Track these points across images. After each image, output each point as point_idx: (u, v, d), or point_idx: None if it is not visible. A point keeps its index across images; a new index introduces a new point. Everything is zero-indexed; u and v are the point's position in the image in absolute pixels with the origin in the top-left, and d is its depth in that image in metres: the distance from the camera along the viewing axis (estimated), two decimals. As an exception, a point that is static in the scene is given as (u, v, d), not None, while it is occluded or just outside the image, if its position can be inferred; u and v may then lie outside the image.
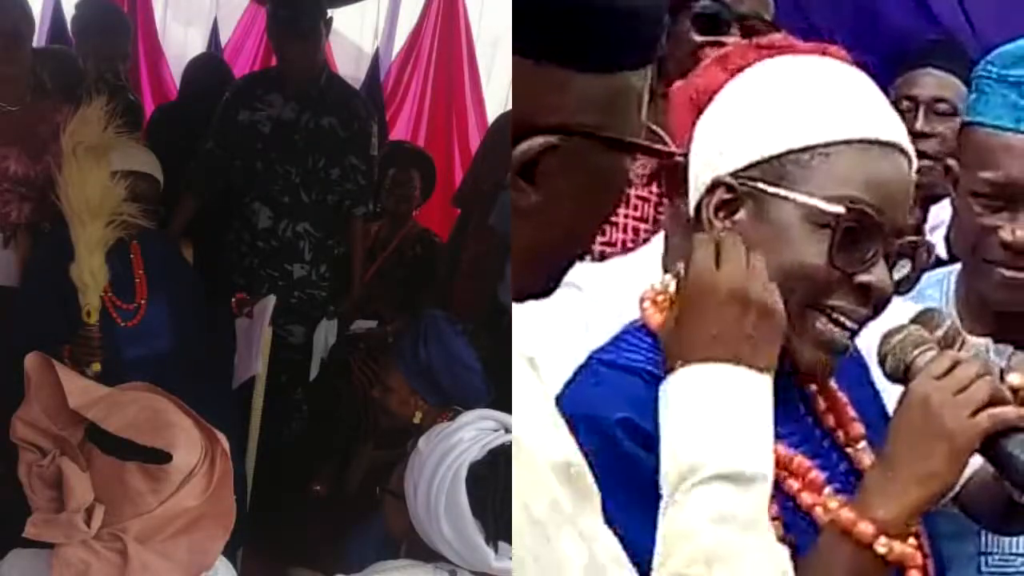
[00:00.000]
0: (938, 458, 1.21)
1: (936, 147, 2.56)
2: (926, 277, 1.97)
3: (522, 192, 0.97)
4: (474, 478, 1.74)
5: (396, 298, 4.35)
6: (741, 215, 1.26)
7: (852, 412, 1.33)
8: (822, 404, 1.38)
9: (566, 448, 1.03)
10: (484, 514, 1.72)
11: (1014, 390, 1.30)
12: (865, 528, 1.20)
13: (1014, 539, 1.86)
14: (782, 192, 1.24)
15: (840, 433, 1.38)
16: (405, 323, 3.90)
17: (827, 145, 1.24)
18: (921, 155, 2.35)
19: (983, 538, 1.87)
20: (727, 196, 1.26)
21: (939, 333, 1.36)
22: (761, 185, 1.25)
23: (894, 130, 1.28)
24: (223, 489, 1.73)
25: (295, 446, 3.94)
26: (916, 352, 1.29)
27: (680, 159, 1.25)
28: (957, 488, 1.71)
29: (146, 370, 2.75)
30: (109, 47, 4.20)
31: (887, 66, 2.68)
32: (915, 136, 2.27)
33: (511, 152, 1.00)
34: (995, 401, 1.23)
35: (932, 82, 2.70)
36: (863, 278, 1.25)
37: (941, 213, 2.59)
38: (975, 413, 1.22)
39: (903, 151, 1.28)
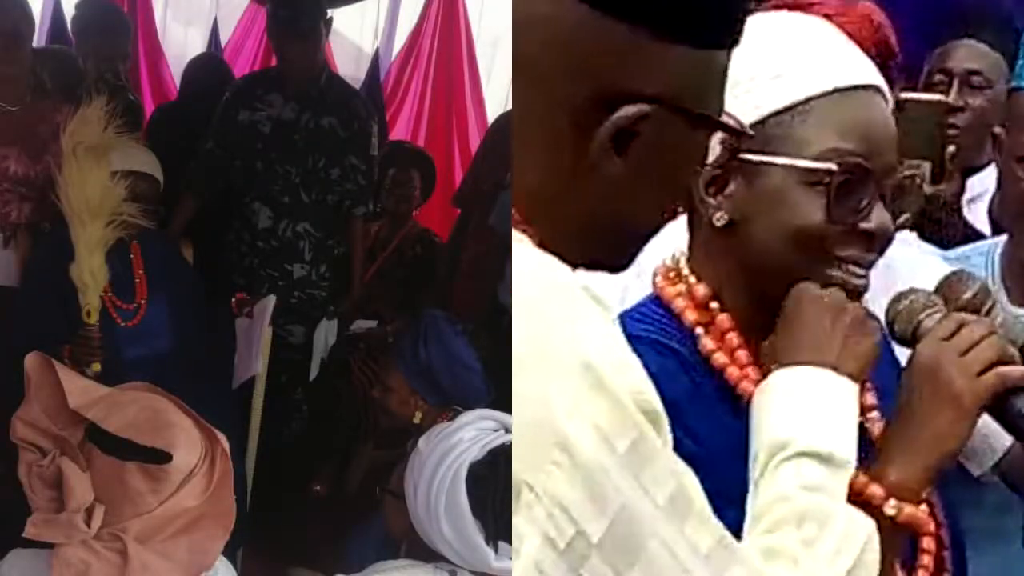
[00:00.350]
0: (946, 420, 1.21)
1: (969, 119, 2.53)
2: (972, 247, 1.98)
3: (611, 160, 0.98)
4: (474, 478, 1.74)
5: (396, 298, 4.35)
6: (732, 188, 1.26)
7: (866, 380, 1.32)
8: None
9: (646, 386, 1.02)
10: (484, 514, 1.72)
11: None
12: (875, 491, 1.20)
13: None
14: (768, 159, 1.24)
15: None
16: (405, 323, 3.90)
17: (804, 102, 1.24)
18: (953, 127, 2.36)
19: None
20: (716, 172, 1.26)
21: (967, 295, 1.36)
22: (747, 156, 1.24)
23: (865, 71, 1.28)
24: (223, 489, 1.73)
25: (295, 446, 3.94)
26: (924, 315, 1.29)
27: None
28: (999, 457, 1.70)
29: (146, 370, 2.74)
30: (109, 47, 4.20)
31: (925, 34, 2.65)
32: (948, 109, 2.29)
33: (511, 152, 0.99)
34: (1002, 361, 1.22)
35: (967, 54, 2.64)
36: (864, 225, 1.25)
37: (977, 185, 2.57)
38: (982, 373, 1.21)
39: (877, 89, 1.28)
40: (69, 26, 4.66)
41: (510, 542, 0.96)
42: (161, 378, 1.92)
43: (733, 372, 1.28)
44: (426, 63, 5.78)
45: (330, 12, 3.89)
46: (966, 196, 2.50)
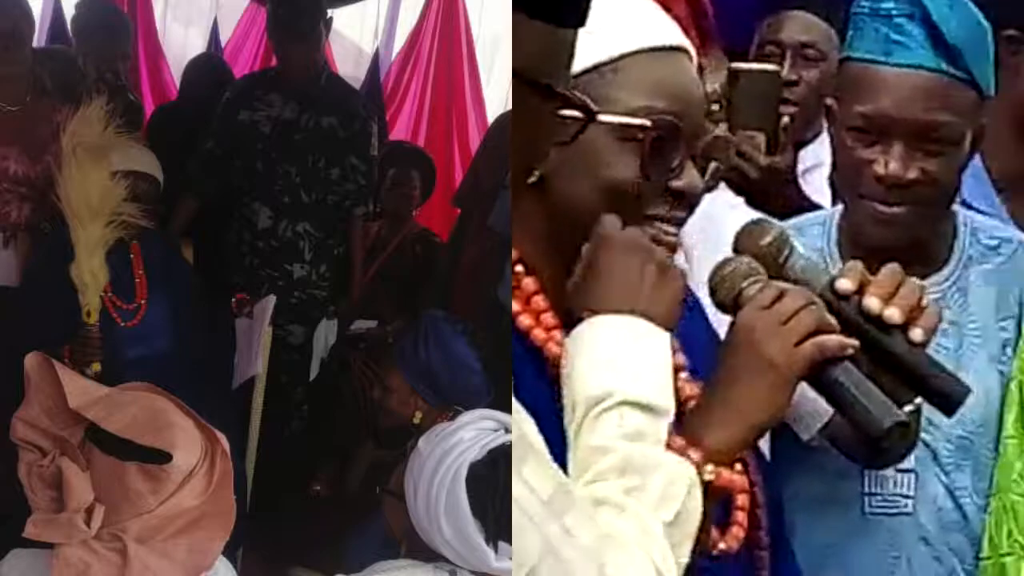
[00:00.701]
0: (764, 388, 1.22)
1: (803, 92, 2.50)
2: (808, 217, 1.99)
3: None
4: (474, 478, 1.74)
5: (396, 298, 4.35)
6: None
7: (675, 342, 1.32)
8: None
9: None
10: (484, 514, 1.72)
11: (842, 295, 1.32)
12: (693, 455, 1.21)
13: (897, 480, 1.87)
14: (580, 115, 1.23)
15: None
16: (405, 323, 3.91)
17: (617, 59, 1.26)
18: (787, 103, 2.37)
19: (866, 478, 1.87)
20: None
21: (765, 242, 1.38)
22: (565, 112, 1.24)
23: (673, 33, 1.30)
24: (223, 489, 1.73)
25: (295, 446, 3.94)
26: (745, 283, 1.30)
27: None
28: (824, 422, 1.71)
29: (146, 370, 2.75)
30: (109, 47, 4.20)
31: (752, 4, 2.61)
32: (783, 82, 2.29)
33: (511, 152, 1.01)
34: (821, 330, 1.23)
35: (799, 26, 2.57)
36: (676, 184, 1.27)
37: (809, 157, 2.54)
38: (800, 343, 1.22)
39: (685, 51, 1.30)
40: (69, 26, 4.65)
41: (510, 542, 0.97)
42: (161, 378, 1.92)
43: (539, 334, 1.28)
44: (426, 63, 5.78)
45: (330, 12, 3.89)
46: (800, 167, 2.47)
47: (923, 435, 1.80)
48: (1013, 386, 1.86)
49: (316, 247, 3.89)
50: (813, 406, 1.65)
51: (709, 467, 1.22)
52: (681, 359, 1.35)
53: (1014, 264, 1.88)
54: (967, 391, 1.35)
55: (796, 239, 1.43)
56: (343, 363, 3.98)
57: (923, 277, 1.67)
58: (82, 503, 1.66)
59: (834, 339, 1.24)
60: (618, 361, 1.20)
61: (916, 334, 1.31)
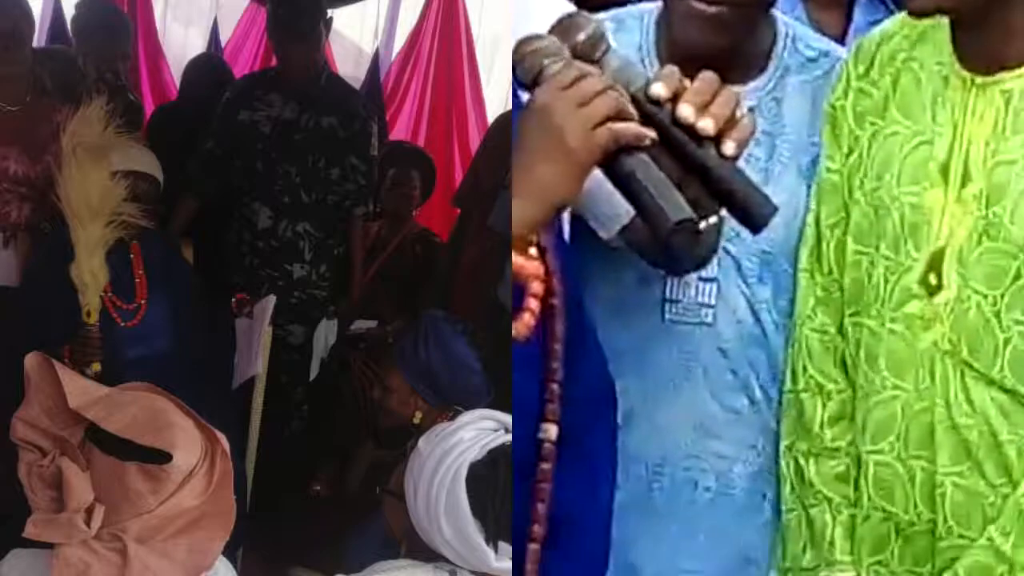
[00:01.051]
0: (556, 171, 1.20)
1: None
2: (630, 10, 1.91)
3: None
4: (474, 478, 1.74)
5: (396, 298, 4.35)
6: None
7: None
8: None
9: None
10: (484, 514, 1.72)
11: (655, 101, 1.28)
12: None
13: (699, 288, 1.87)
14: None
15: None
16: (405, 323, 3.91)
17: None
18: None
19: (668, 285, 1.88)
20: None
21: (581, 37, 1.34)
22: None
23: None
24: (223, 489, 1.73)
25: (295, 446, 3.94)
26: (547, 61, 1.27)
27: None
28: (624, 223, 1.65)
29: (146, 370, 2.75)
30: (109, 47, 4.20)
31: None
32: None
33: (511, 151, 1.00)
34: (620, 117, 1.21)
35: None
36: None
37: None
38: (596, 127, 1.20)
39: None
40: (69, 26, 4.65)
41: (510, 542, 0.96)
42: (161, 378, 1.92)
43: None
44: (426, 63, 5.78)
45: (330, 12, 3.88)
46: None
47: (728, 245, 1.79)
48: (810, 218, 1.83)
49: (316, 247, 3.89)
50: (614, 207, 1.60)
51: None
52: None
53: (830, 80, 1.84)
54: (774, 210, 1.31)
55: (613, 34, 1.38)
56: (343, 363, 3.99)
57: (740, 85, 1.64)
58: (82, 503, 1.66)
59: (631, 127, 1.21)
60: None
61: (728, 147, 1.27)
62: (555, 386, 1.41)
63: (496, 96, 5.58)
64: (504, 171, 3.56)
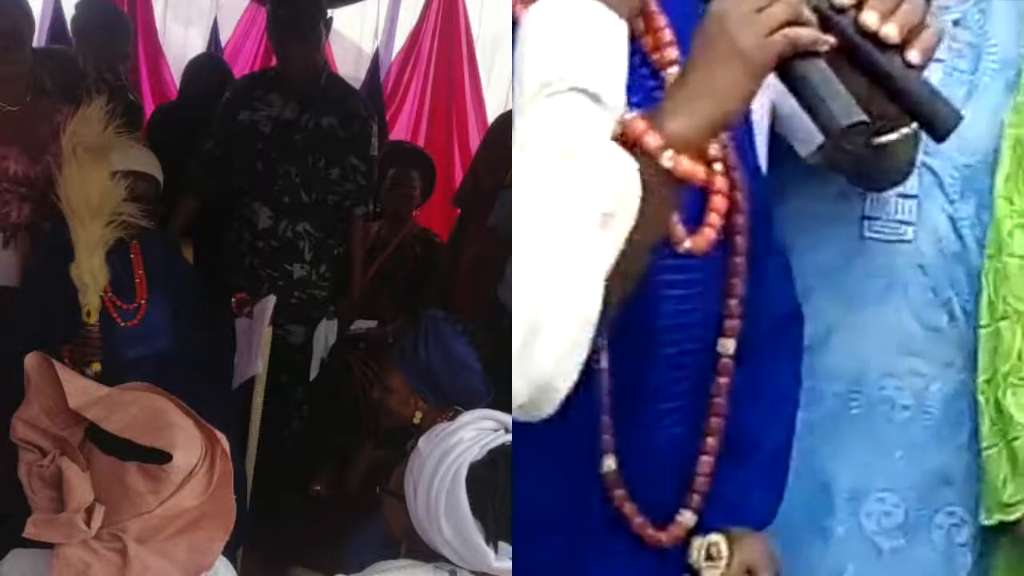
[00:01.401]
0: (731, 75, 1.19)
1: None
2: None
3: None
4: (474, 478, 1.74)
5: (396, 298, 4.35)
6: None
7: (668, 36, 1.30)
8: (640, 26, 1.36)
9: None
10: (484, 514, 1.72)
11: (839, 8, 1.26)
12: (652, 140, 1.18)
13: (899, 205, 1.83)
14: None
15: (656, 57, 1.36)
16: (405, 323, 3.91)
17: None
18: None
19: (867, 201, 1.84)
20: None
21: None
22: None
23: None
24: (223, 489, 1.73)
25: (295, 446, 3.94)
26: None
27: None
28: (822, 139, 1.61)
29: (146, 370, 2.75)
30: (109, 47, 4.20)
31: None
32: None
33: (511, 151, 1.00)
34: (796, 23, 1.20)
35: None
36: None
37: None
38: (772, 33, 1.19)
39: None
40: (69, 26, 4.65)
41: (510, 542, 0.96)
42: (161, 378, 1.92)
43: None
44: (426, 63, 5.77)
45: (330, 12, 3.89)
46: None
47: (929, 161, 1.74)
48: (1006, 144, 1.78)
49: (316, 247, 3.89)
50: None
51: (668, 153, 1.18)
52: (673, 53, 1.31)
53: None
54: (959, 118, 1.28)
55: None
56: (343, 363, 3.99)
57: None
58: (82, 503, 1.66)
59: (807, 31, 1.20)
60: (569, 49, 1.17)
61: (912, 55, 1.25)
62: (734, 301, 1.41)
63: (496, 96, 5.58)
64: (504, 171, 3.56)
